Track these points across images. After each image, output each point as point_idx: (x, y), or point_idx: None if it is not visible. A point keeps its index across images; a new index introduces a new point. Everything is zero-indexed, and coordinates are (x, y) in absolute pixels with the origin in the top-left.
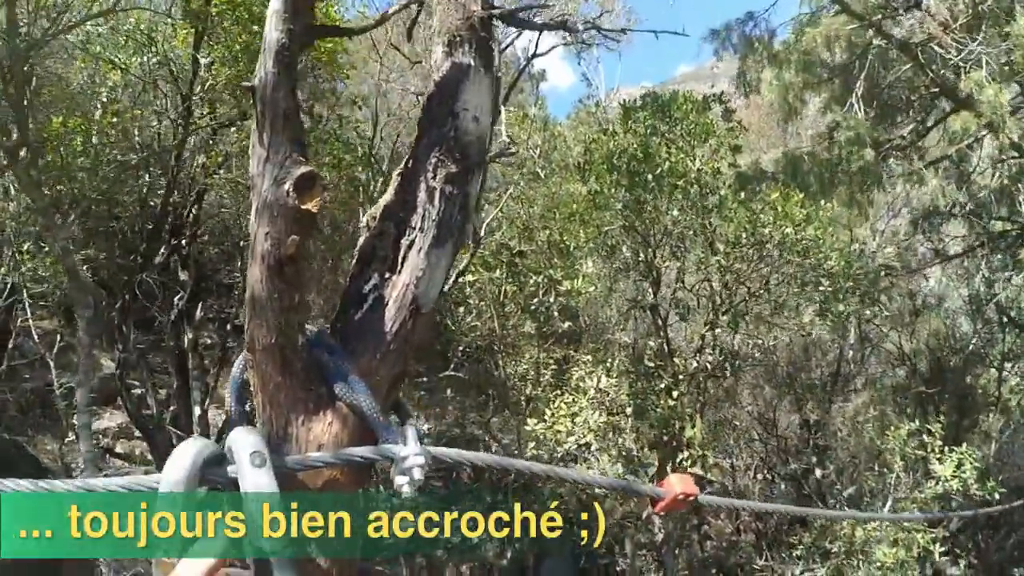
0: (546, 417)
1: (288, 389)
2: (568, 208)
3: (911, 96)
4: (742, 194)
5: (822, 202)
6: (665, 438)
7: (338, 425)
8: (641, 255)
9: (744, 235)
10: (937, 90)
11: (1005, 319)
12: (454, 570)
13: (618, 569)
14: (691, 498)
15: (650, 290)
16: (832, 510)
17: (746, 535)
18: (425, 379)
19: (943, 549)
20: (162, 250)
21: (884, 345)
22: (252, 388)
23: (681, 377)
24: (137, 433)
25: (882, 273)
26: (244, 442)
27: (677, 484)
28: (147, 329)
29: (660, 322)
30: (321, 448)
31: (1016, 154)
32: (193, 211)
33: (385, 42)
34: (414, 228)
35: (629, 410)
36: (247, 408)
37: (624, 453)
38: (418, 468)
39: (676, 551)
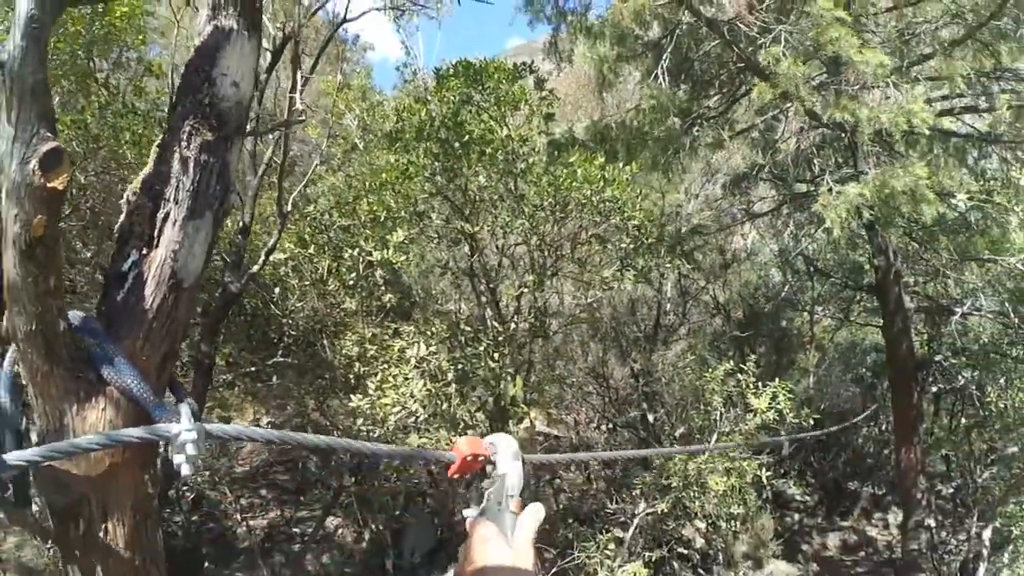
0: (370, 392)
1: (56, 378)
2: (379, 178)
3: (720, 70)
4: (549, 159)
5: (622, 166)
6: (491, 400)
7: (112, 411)
8: (454, 222)
9: (547, 198)
10: (743, 65)
11: (812, 269)
12: (315, 562)
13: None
14: (481, 457)
15: (466, 256)
16: (653, 448)
17: (597, 483)
18: (256, 369)
19: (772, 474)
20: None
21: (703, 297)
22: (23, 381)
23: (501, 339)
24: None
25: (694, 231)
26: None
27: (464, 446)
28: None
29: (481, 287)
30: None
31: (815, 123)
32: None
33: (186, 4)
34: (168, 200)
35: (450, 375)
36: (19, 406)
37: (451, 419)
38: (191, 444)
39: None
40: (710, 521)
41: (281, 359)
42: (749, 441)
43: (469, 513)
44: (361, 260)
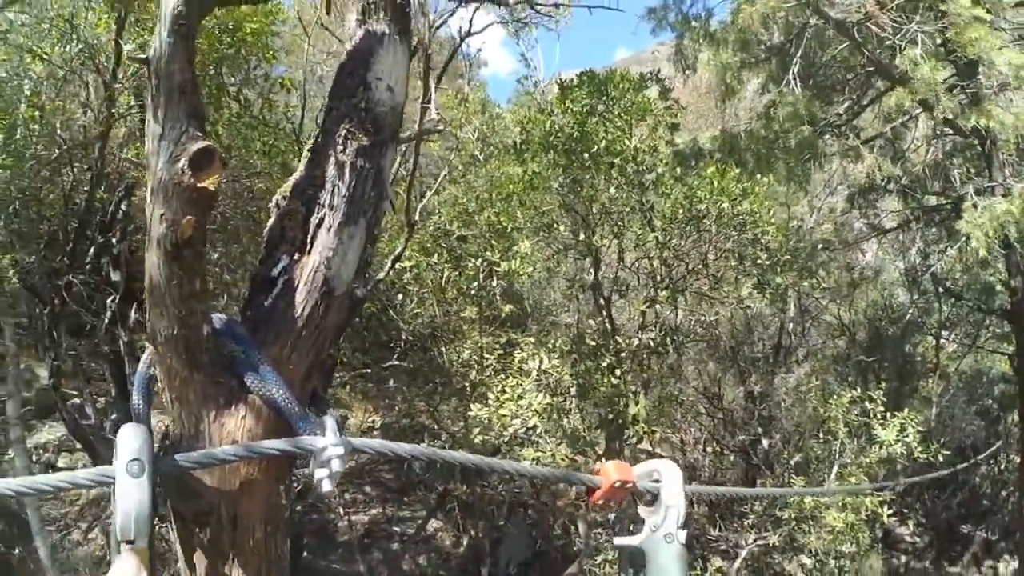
0: (490, 402)
1: (195, 383)
2: (505, 190)
3: (847, 75)
4: (679, 171)
5: (759, 177)
6: (610, 417)
7: (252, 419)
8: (580, 234)
9: (681, 211)
10: (872, 69)
11: (941, 289)
12: (411, 562)
13: (575, 549)
14: (628, 484)
15: (590, 269)
16: (779, 488)
17: (699, 507)
18: (369, 370)
19: (891, 511)
20: (91, 250)
21: (824, 317)
22: (160, 385)
23: (623, 355)
24: (78, 445)
25: (819, 247)
26: (125, 447)
27: (613, 471)
28: (80, 335)
29: (602, 301)
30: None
31: (950, 131)
32: (122, 207)
33: (315, 22)
34: (323, 206)
35: (573, 390)
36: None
37: (569, 434)
38: (337, 459)
39: (630, 528)
40: (817, 557)
41: (395, 362)
42: (870, 476)
43: (622, 542)
44: (482, 270)
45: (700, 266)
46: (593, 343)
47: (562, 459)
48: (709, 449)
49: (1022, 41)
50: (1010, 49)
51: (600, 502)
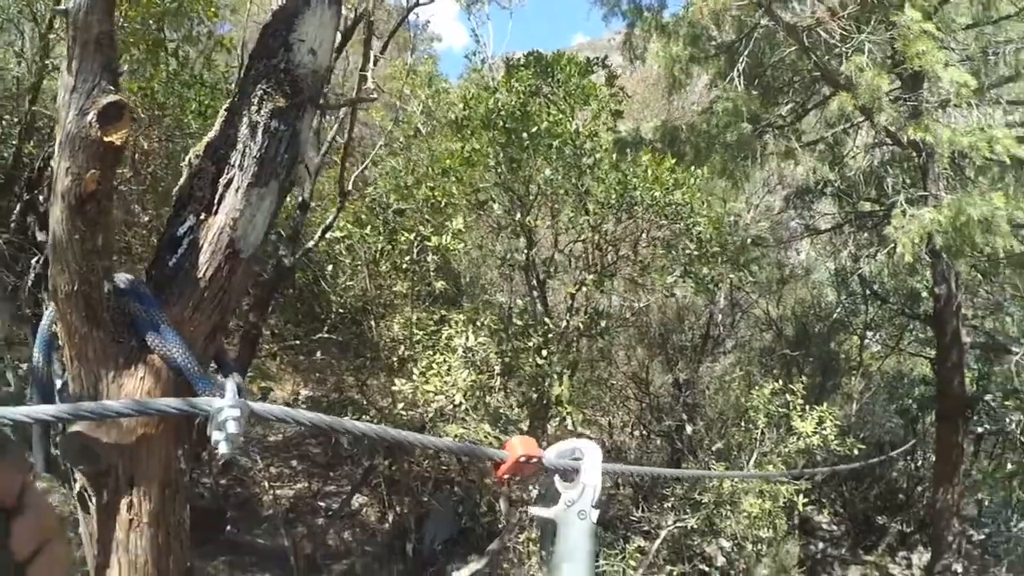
0: (415, 377)
1: (95, 341)
2: (443, 165)
3: (793, 78)
4: (616, 157)
5: (694, 170)
6: (535, 396)
7: (151, 379)
8: (515, 214)
9: (615, 196)
10: (819, 74)
11: (868, 292)
12: (336, 537)
13: (499, 526)
14: (534, 460)
15: (523, 249)
16: (698, 471)
17: (624, 488)
18: (299, 342)
19: (807, 500)
20: (17, 207)
21: (753, 311)
22: (60, 342)
23: (551, 336)
24: None
25: (751, 243)
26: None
27: (518, 446)
28: (2, 297)
29: (534, 282)
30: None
31: (890, 141)
32: (51, 163)
33: None
34: (233, 166)
35: (498, 369)
36: (55, 367)
37: (493, 412)
38: (233, 422)
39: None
40: (735, 541)
41: (326, 335)
42: (788, 465)
43: (538, 511)
44: (416, 244)
45: (630, 252)
46: (522, 323)
47: (485, 437)
48: (636, 433)
49: (968, 62)
50: (955, 67)
51: (506, 476)
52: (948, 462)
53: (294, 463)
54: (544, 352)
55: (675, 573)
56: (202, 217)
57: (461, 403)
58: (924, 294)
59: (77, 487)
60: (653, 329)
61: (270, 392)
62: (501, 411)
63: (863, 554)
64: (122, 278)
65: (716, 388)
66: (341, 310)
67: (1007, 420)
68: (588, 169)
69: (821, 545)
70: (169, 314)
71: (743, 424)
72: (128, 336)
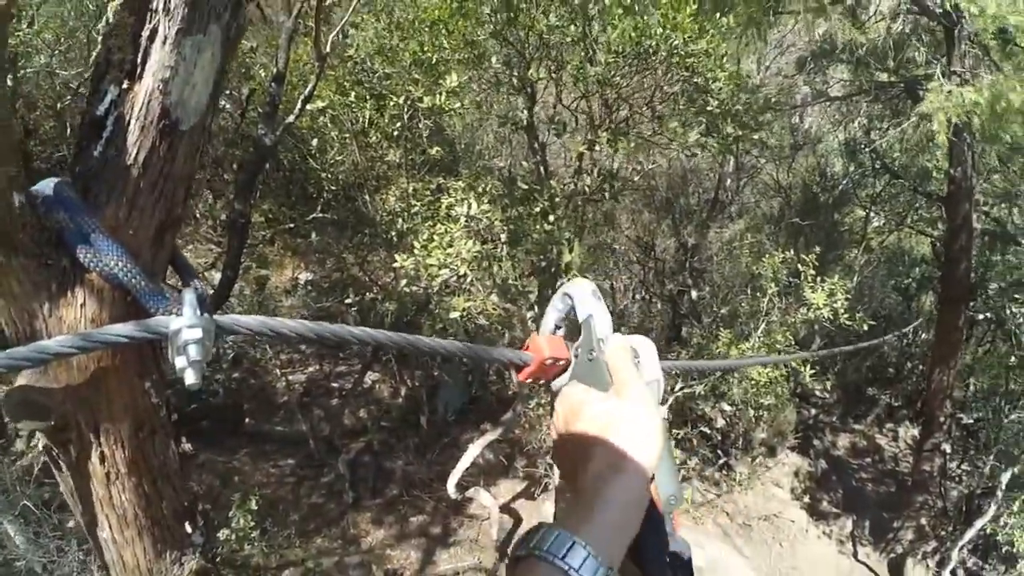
0: (415, 251)
1: (17, 270)
2: (431, 16)
3: None
4: (629, 0)
5: (719, 17)
6: (543, 264)
7: (95, 305)
8: (514, 69)
9: (628, 45)
10: None
11: (878, 165)
12: (352, 416)
13: (510, 393)
14: (562, 361)
15: (524, 108)
16: (726, 360)
17: None
18: (293, 225)
19: (812, 371)
20: None
21: (761, 176)
22: None
23: (558, 200)
24: None
25: (766, 106)
26: None
27: (545, 347)
28: None
29: (536, 144)
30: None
31: (917, 9)
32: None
33: None
34: (156, 11)
35: (503, 237)
36: None
37: (500, 283)
38: (195, 345)
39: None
40: (737, 406)
41: (320, 215)
42: (794, 335)
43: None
44: (406, 109)
45: (644, 108)
46: (526, 187)
47: (493, 308)
48: (638, 296)
49: None
50: None
51: (529, 380)
52: (947, 344)
53: (303, 347)
54: (551, 217)
55: (680, 435)
56: (125, 86)
57: (467, 275)
58: (935, 173)
59: (41, 445)
60: (659, 192)
61: (267, 281)
62: (509, 281)
63: (853, 423)
64: (45, 185)
65: (724, 255)
66: (333, 187)
67: (1006, 311)
68: (596, 15)
69: (814, 411)
70: (101, 218)
71: (750, 292)
72: (57, 256)
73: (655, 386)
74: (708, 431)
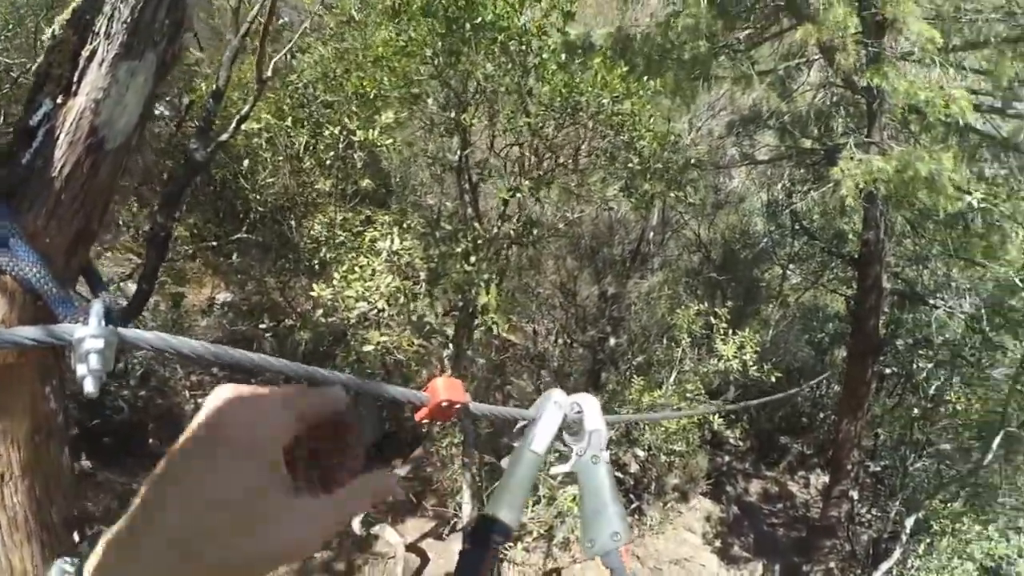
0: (335, 281)
1: None
2: (375, 53)
3: (756, 3)
4: (564, 58)
5: (646, 80)
6: (461, 304)
7: (5, 306)
8: (451, 111)
9: (559, 99)
10: (783, 3)
11: (797, 226)
12: None
13: (423, 431)
14: (457, 406)
15: (456, 149)
16: (631, 415)
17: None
18: (217, 243)
19: (722, 421)
20: None
21: (684, 231)
22: None
23: (481, 242)
24: None
25: (691, 164)
26: None
27: (441, 390)
28: None
29: (466, 184)
30: None
31: (842, 84)
32: None
33: None
34: (98, 33)
35: (423, 275)
36: None
37: (416, 320)
38: (95, 354)
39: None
40: (650, 452)
41: (245, 235)
42: (705, 385)
43: (559, 470)
44: (342, 139)
45: (570, 160)
46: (451, 227)
47: (409, 345)
48: (560, 341)
49: (939, 20)
50: (925, 22)
51: (425, 421)
52: (854, 396)
53: (215, 370)
54: (472, 258)
55: None
56: (60, 101)
57: (384, 309)
58: (851, 236)
59: None
60: (584, 241)
61: (183, 299)
62: (426, 319)
63: (765, 470)
64: None
65: (642, 304)
66: (261, 208)
67: (914, 366)
68: (533, 68)
69: (727, 458)
70: (22, 223)
71: (664, 341)
72: None
73: (597, 435)
74: (622, 476)
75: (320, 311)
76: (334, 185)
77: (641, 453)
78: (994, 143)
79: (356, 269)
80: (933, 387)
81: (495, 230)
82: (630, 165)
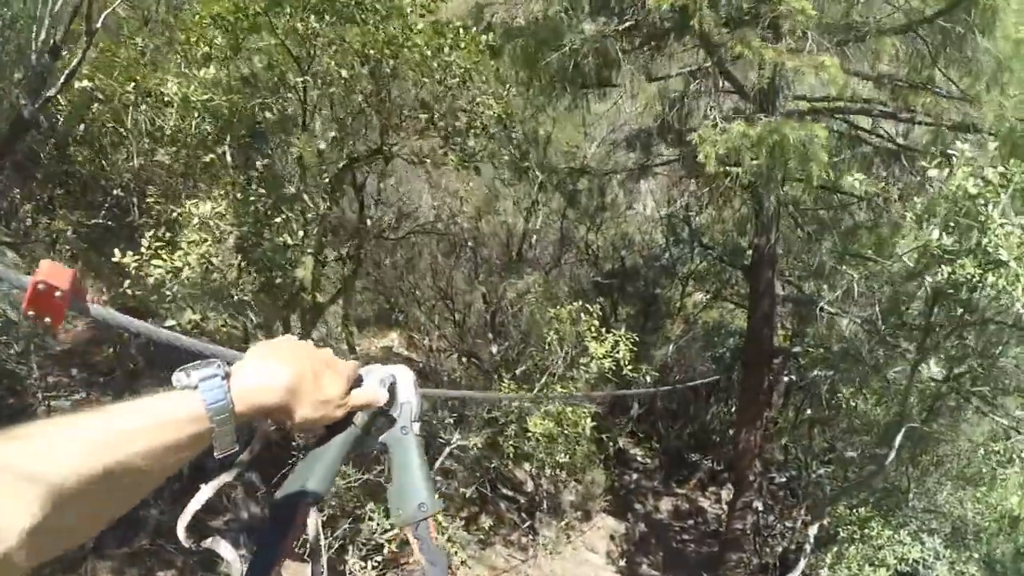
0: (142, 249)
1: None
2: (210, 11)
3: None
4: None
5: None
6: (278, 281)
7: None
8: (277, 66)
9: (377, 48)
10: None
11: (695, 242)
12: None
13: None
14: (58, 292)
15: (287, 103)
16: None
17: (441, 412)
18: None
19: (621, 433)
20: None
21: (575, 240)
22: None
23: (311, 217)
24: None
25: (581, 171)
26: None
27: (45, 270)
28: None
29: (294, 151)
30: None
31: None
32: None
33: None
34: None
35: (231, 242)
36: None
37: (226, 296)
38: None
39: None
40: (535, 465)
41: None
42: (582, 389)
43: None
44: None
45: (396, 119)
46: (265, 192)
47: (223, 325)
48: (442, 351)
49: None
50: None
51: (31, 313)
52: (752, 406)
53: (74, 371)
54: (302, 233)
55: (467, 493)
56: None
57: (193, 282)
58: (749, 251)
59: None
60: (462, 239)
61: None
62: (238, 297)
63: (675, 487)
64: None
65: (517, 309)
66: (113, 186)
67: (812, 373)
68: (361, 22)
69: (635, 476)
70: None
71: (545, 346)
72: None
73: (408, 407)
74: (511, 493)
75: (127, 282)
76: (174, 157)
77: (528, 466)
78: (888, 153)
79: (164, 238)
80: (833, 394)
81: (327, 205)
82: (455, 123)
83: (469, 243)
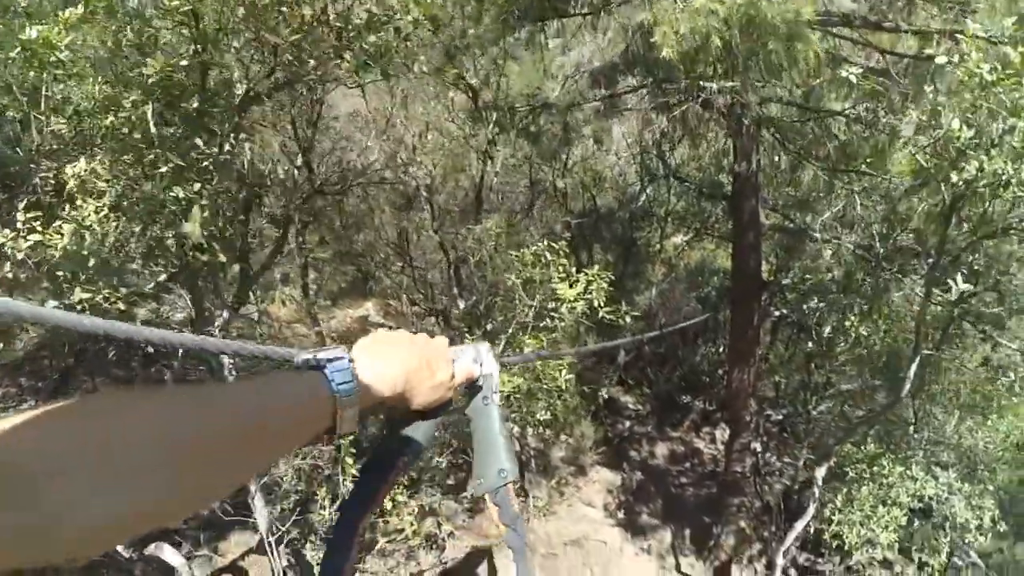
0: (18, 224)
1: None
2: None
3: None
4: None
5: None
6: (163, 236)
7: None
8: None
9: None
10: None
11: (671, 176)
12: None
13: None
14: None
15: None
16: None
17: None
18: None
19: (570, 376)
20: None
21: (544, 184)
22: None
23: (206, 165)
24: None
25: (544, 107)
26: None
27: None
28: None
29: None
30: None
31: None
32: None
33: None
34: None
35: (107, 198)
36: None
37: (109, 263)
38: None
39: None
40: (520, 424)
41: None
42: (555, 338)
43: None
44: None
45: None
46: (148, 139)
47: (106, 299)
48: (406, 308)
49: None
50: None
51: None
52: (743, 344)
53: (23, 380)
54: (198, 184)
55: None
56: None
57: (70, 251)
58: (730, 180)
59: None
60: (420, 192)
61: None
62: (124, 263)
63: (669, 431)
64: None
65: (481, 258)
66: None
67: (803, 307)
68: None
69: (628, 424)
70: None
71: (515, 297)
72: None
73: (490, 379)
74: None
75: (7, 264)
76: (73, 127)
77: (509, 424)
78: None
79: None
80: (827, 328)
81: (226, 148)
82: (356, 22)
83: (424, 193)
